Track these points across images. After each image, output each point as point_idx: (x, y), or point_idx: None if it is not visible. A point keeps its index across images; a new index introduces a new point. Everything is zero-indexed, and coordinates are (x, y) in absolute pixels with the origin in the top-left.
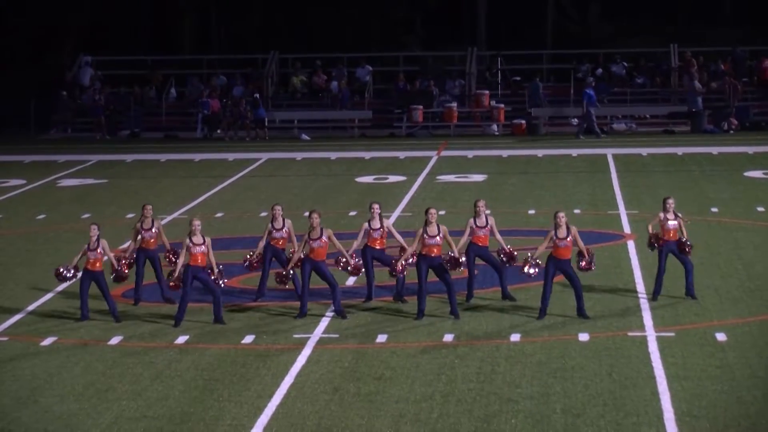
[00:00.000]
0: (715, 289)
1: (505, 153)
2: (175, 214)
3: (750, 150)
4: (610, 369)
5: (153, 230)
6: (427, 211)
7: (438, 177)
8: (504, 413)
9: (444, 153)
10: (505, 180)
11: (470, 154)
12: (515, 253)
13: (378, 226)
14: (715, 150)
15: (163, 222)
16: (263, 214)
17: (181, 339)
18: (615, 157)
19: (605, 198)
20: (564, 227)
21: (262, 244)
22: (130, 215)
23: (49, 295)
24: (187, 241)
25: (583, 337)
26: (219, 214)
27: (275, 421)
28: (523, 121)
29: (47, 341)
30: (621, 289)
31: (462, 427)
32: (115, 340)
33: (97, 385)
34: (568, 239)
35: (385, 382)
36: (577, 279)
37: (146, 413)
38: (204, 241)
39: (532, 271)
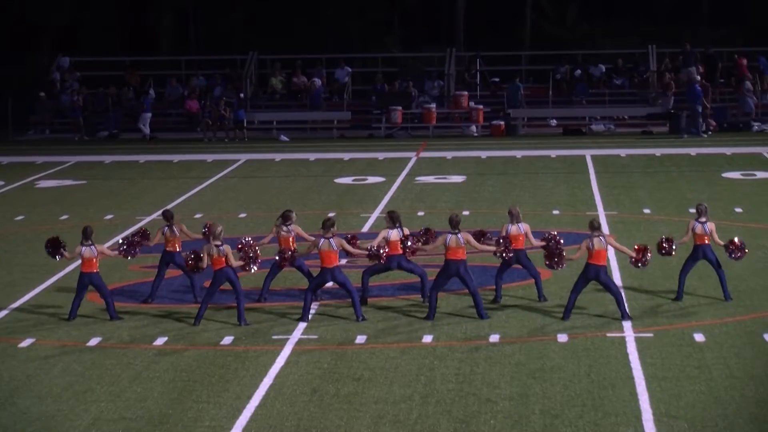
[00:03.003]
0: (693, 290)
1: (484, 154)
2: (154, 215)
3: (728, 151)
4: (588, 370)
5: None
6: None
7: (417, 178)
8: (483, 414)
9: (423, 154)
10: (484, 181)
11: (449, 155)
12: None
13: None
14: (693, 151)
15: (142, 223)
16: (242, 215)
17: (160, 340)
18: (593, 158)
19: (584, 199)
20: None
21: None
22: (108, 216)
23: (27, 297)
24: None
25: (562, 338)
26: (198, 215)
27: (254, 422)
28: (502, 123)
29: (25, 343)
30: (600, 290)
31: (441, 427)
32: (93, 342)
33: (75, 387)
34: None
35: (364, 383)
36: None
37: (125, 415)
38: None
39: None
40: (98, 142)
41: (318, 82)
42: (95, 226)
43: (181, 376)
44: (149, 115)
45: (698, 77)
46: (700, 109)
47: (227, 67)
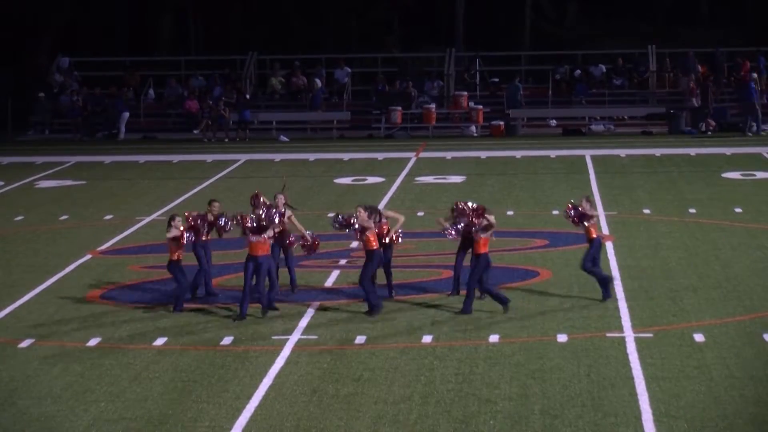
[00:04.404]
0: (693, 290)
1: (483, 154)
2: (154, 215)
3: (727, 151)
4: (588, 370)
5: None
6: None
7: (416, 178)
8: (483, 414)
9: (422, 154)
10: (483, 181)
11: (449, 155)
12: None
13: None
14: (692, 151)
15: (142, 223)
16: None
17: (160, 341)
18: (593, 158)
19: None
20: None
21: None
22: (108, 216)
23: (26, 297)
24: None
25: (562, 338)
26: None
27: (254, 422)
28: (502, 123)
29: (25, 343)
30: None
31: (441, 428)
32: (93, 342)
33: (75, 387)
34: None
35: (363, 383)
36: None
37: (125, 415)
38: None
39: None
40: (98, 142)
41: (319, 82)
42: (94, 226)
43: (181, 377)
44: (127, 114)
45: (754, 75)
46: (758, 107)
47: (226, 67)
